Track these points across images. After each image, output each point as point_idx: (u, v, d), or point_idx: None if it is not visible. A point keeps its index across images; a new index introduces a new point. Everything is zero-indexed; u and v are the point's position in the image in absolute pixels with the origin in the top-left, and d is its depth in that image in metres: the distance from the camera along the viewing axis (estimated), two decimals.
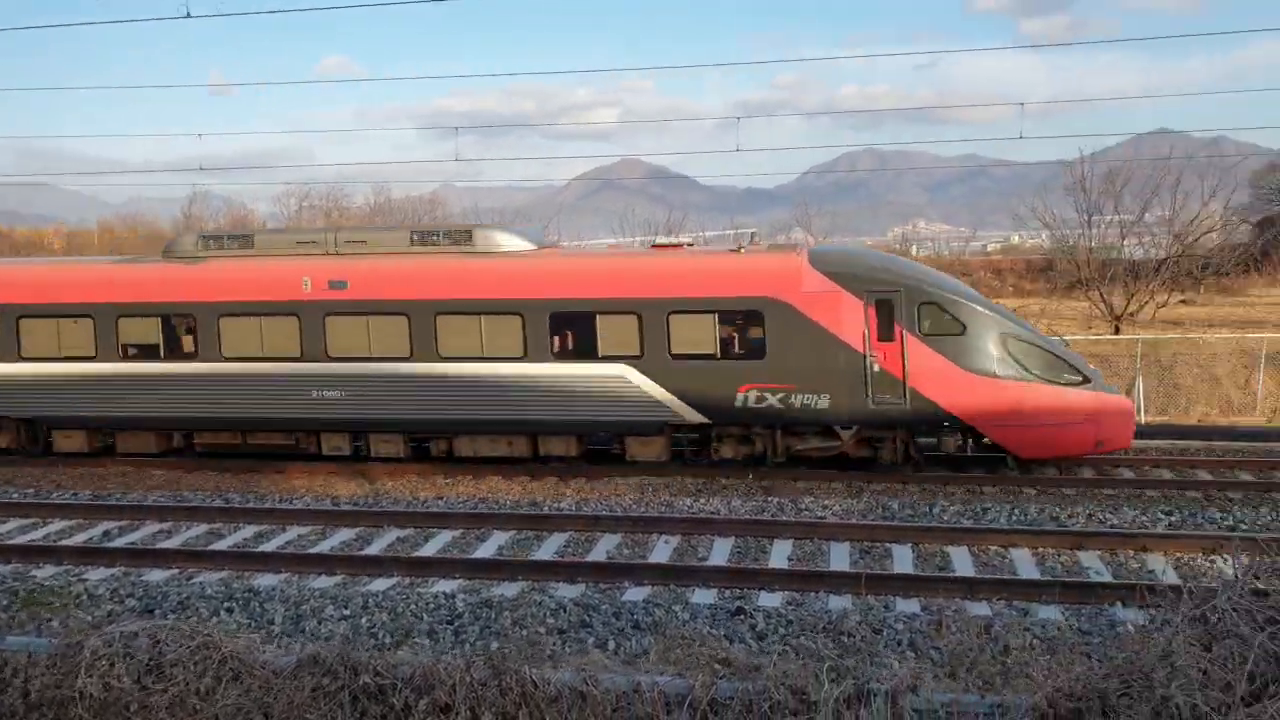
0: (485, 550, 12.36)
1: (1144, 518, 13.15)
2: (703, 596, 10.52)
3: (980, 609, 9.99)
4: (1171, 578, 10.44)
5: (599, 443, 16.96)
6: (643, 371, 15.11)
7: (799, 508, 13.99)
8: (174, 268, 16.69)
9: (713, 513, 13.85)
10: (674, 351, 15.10)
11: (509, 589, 10.81)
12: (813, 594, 10.54)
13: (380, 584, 11.02)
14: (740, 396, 15.02)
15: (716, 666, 7.84)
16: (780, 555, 11.93)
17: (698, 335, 15.11)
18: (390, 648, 9.27)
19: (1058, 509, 13.65)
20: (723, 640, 9.16)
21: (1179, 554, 11.52)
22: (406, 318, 15.50)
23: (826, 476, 15.82)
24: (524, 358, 15.37)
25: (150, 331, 16.44)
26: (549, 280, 15.69)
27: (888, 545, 12.14)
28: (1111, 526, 12.78)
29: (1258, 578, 5.86)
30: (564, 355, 15.46)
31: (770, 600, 10.37)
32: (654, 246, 18.45)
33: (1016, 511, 13.59)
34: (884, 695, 6.15)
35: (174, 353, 16.46)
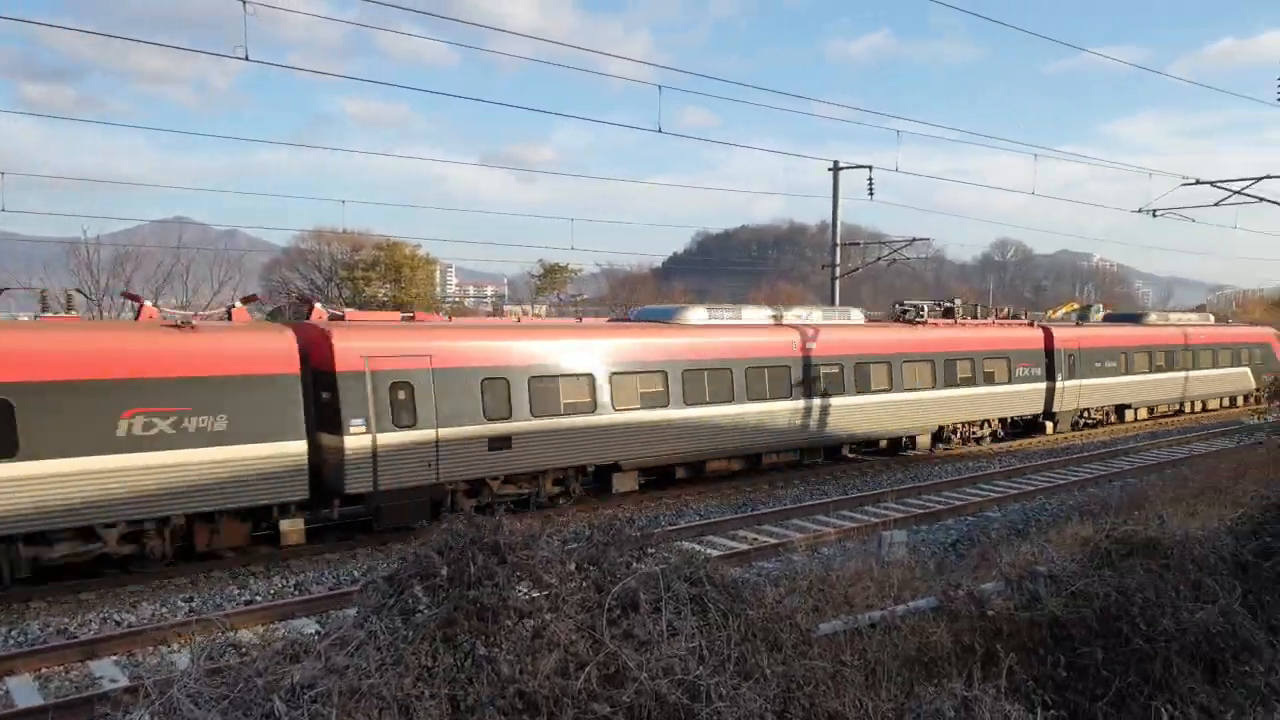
0: None
1: (165, 610, 12.56)
2: None
3: None
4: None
5: None
6: None
7: None
8: None
9: None
10: None
11: None
12: None
13: None
14: None
15: None
16: None
17: None
18: None
19: (66, 620, 12.11)
20: None
21: (184, 642, 10.99)
22: None
23: None
24: None
25: None
26: None
27: None
28: (130, 626, 11.83)
29: (213, 658, 5.77)
30: None
31: None
32: None
33: (15, 631, 11.60)
34: None
35: None
